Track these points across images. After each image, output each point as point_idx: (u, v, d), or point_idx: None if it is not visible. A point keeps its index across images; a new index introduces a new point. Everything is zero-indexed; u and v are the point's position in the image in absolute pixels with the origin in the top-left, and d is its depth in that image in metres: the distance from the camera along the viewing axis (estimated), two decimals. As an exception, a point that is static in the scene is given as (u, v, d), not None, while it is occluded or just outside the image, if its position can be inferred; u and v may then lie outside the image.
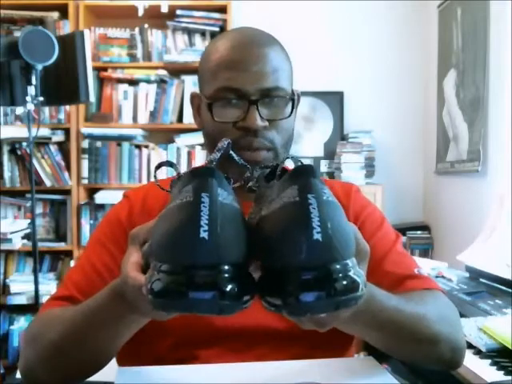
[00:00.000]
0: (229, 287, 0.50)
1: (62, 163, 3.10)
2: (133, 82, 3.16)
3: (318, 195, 0.50)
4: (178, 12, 3.10)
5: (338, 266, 0.50)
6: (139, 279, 0.60)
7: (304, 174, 0.52)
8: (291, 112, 0.94)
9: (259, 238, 0.54)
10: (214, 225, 0.50)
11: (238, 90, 0.89)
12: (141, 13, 3.06)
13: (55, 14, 3.10)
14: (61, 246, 3.08)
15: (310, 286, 0.49)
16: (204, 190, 0.51)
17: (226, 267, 0.50)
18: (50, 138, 3.06)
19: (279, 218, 0.52)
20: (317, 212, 0.49)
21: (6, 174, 3.08)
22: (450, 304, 0.92)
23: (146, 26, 3.14)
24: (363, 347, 2.12)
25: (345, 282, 0.50)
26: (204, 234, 0.49)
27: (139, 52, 3.15)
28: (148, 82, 3.14)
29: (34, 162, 2.97)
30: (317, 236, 0.48)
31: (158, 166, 0.66)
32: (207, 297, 0.49)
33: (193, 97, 1.02)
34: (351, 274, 0.50)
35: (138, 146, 3.14)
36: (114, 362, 1.07)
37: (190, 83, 3.13)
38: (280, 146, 0.93)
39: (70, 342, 0.79)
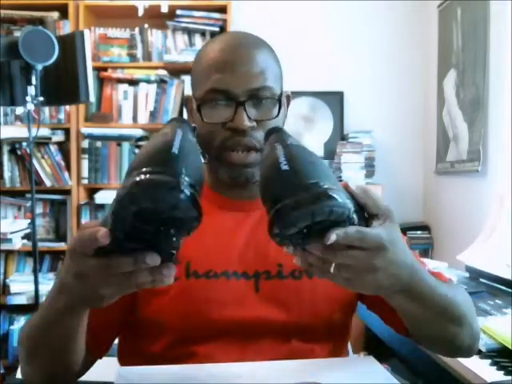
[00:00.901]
0: (187, 191, 0.60)
1: (62, 163, 3.11)
2: (133, 82, 3.16)
3: (282, 142, 0.68)
4: (178, 12, 3.10)
5: (308, 184, 0.62)
6: (94, 224, 0.64)
7: (272, 132, 0.72)
8: (278, 112, 0.95)
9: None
10: (183, 147, 0.63)
11: (226, 92, 0.92)
12: (141, 13, 3.06)
13: (55, 14, 3.10)
14: (61, 245, 3.08)
15: (287, 202, 0.62)
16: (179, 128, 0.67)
17: (187, 178, 0.61)
18: (50, 138, 3.06)
19: (262, 167, 0.70)
20: (282, 152, 0.66)
21: (6, 174, 3.08)
22: (467, 294, 0.94)
23: (146, 26, 3.14)
24: (363, 347, 2.12)
25: (315, 193, 0.61)
26: (175, 150, 0.62)
27: (139, 52, 3.15)
28: (148, 81, 3.14)
29: (34, 161, 2.97)
30: (284, 167, 0.64)
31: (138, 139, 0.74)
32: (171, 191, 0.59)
33: (187, 100, 1.04)
34: (323, 188, 0.62)
35: (138, 147, 3.14)
36: (114, 362, 1.07)
37: (190, 83, 3.13)
38: None
39: (37, 344, 0.82)
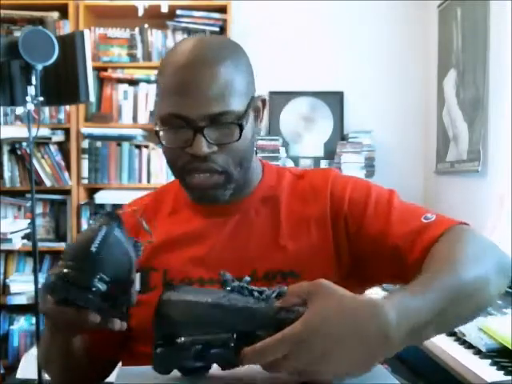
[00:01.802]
0: (100, 286, 0.73)
1: (62, 163, 3.11)
2: (133, 82, 3.16)
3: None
4: (178, 12, 3.10)
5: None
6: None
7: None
8: (240, 136, 0.90)
9: None
10: (103, 245, 0.73)
11: (183, 117, 0.88)
12: (141, 13, 3.06)
13: (55, 14, 3.10)
14: (61, 245, 3.07)
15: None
16: (105, 224, 0.76)
17: (100, 276, 0.73)
18: (50, 138, 3.06)
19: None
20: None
21: (6, 174, 3.08)
22: (475, 233, 0.88)
23: (146, 26, 3.14)
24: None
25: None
26: (93, 249, 0.73)
27: (139, 52, 3.15)
28: (148, 82, 3.14)
29: (34, 161, 2.97)
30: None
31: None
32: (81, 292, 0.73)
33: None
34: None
35: (138, 146, 3.14)
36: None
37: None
38: (233, 168, 0.92)
39: (45, 361, 0.99)
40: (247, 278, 0.74)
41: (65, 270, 0.72)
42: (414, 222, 0.90)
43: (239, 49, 0.96)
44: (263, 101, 0.99)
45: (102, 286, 0.72)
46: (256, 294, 0.72)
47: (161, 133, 0.91)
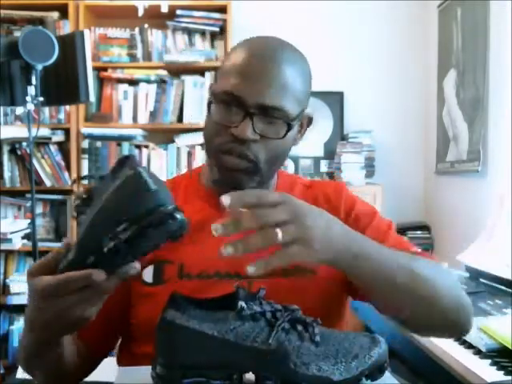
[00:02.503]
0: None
1: (62, 163, 3.11)
2: (133, 82, 3.16)
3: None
4: (178, 12, 3.10)
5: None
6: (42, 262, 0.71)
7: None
8: (285, 135, 0.93)
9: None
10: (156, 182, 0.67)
11: (239, 98, 0.91)
12: (141, 13, 3.06)
13: (55, 14, 3.10)
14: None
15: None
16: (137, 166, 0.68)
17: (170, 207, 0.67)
18: (50, 138, 3.06)
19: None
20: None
21: (6, 174, 3.08)
22: (451, 272, 0.94)
23: (146, 25, 3.14)
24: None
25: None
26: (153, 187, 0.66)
27: (139, 52, 3.15)
28: (148, 81, 3.14)
29: (34, 161, 2.97)
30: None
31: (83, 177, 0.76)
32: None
33: (211, 86, 1.03)
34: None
35: (138, 146, 3.14)
36: (114, 362, 1.07)
37: (190, 83, 3.13)
38: (263, 162, 0.95)
39: (28, 365, 0.91)
40: (262, 291, 0.73)
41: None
42: (406, 247, 0.98)
43: (307, 63, 1.02)
44: (310, 119, 1.02)
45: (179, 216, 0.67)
46: (269, 315, 0.71)
47: (212, 106, 0.94)
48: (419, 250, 1.00)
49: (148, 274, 0.97)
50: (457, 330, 0.92)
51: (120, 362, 1.04)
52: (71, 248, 0.70)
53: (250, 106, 0.91)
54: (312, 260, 0.71)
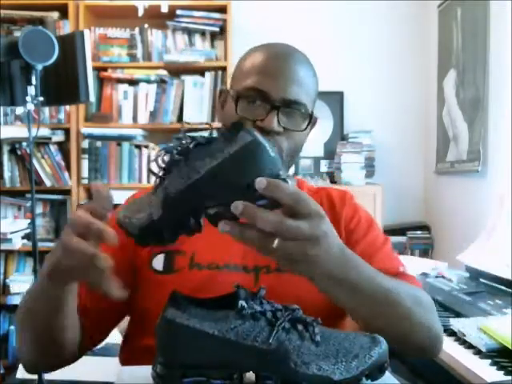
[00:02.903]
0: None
1: (62, 163, 3.11)
2: (133, 82, 3.16)
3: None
4: (178, 12, 3.10)
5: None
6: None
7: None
8: (306, 127, 1.01)
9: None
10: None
11: (264, 93, 0.97)
12: (141, 13, 3.06)
13: (55, 14, 3.10)
14: (61, 246, 3.08)
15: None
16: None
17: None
18: (50, 138, 3.06)
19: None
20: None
21: (6, 174, 3.08)
22: (428, 297, 0.95)
23: (146, 25, 3.14)
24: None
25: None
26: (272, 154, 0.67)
27: (139, 52, 3.15)
28: (148, 81, 3.14)
29: (34, 161, 2.97)
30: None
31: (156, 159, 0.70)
32: None
33: (220, 92, 1.09)
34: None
35: (138, 146, 3.14)
36: (114, 361, 1.07)
37: (190, 83, 3.13)
38: (286, 155, 0.99)
39: (25, 317, 0.91)
40: (263, 291, 0.74)
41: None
42: (393, 267, 1.01)
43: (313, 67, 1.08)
44: (316, 119, 1.07)
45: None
46: (269, 314, 0.71)
47: (230, 104, 1.01)
48: (406, 272, 1.03)
49: (158, 262, 1.00)
50: (424, 353, 0.95)
51: (123, 362, 1.04)
52: (143, 204, 0.68)
53: (275, 99, 0.96)
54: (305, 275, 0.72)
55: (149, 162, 3.12)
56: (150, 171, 0.82)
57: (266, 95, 0.97)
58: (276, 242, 0.66)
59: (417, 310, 0.87)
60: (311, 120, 1.02)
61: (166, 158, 0.69)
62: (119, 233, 0.69)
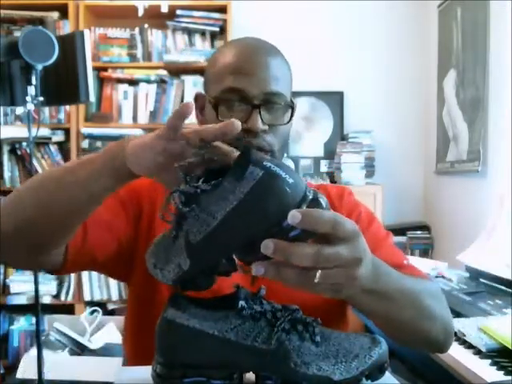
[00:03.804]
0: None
1: (62, 163, 3.11)
2: (133, 82, 3.16)
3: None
4: (178, 12, 3.10)
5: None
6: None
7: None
8: (290, 119, 0.98)
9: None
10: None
11: (242, 92, 0.94)
12: (141, 13, 3.06)
13: (55, 14, 3.10)
14: (61, 245, 3.08)
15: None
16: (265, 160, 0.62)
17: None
18: (50, 138, 3.06)
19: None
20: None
21: (6, 174, 3.08)
22: (437, 286, 0.97)
23: (146, 25, 3.14)
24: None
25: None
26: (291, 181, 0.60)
27: (139, 52, 3.15)
28: (148, 81, 3.14)
29: (34, 162, 2.97)
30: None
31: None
32: None
33: (197, 97, 1.05)
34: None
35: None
36: (114, 362, 1.07)
37: (190, 83, 3.13)
38: (277, 150, 0.98)
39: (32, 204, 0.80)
40: (263, 291, 0.73)
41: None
42: (397, 260, 1.00)
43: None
44: (295, 107, 1.04)
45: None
46: (269, 315, 0.70)
47: (209, 109, 0.98)
48: (410, 264, 1.02)
49: None
50: (436, 348, 0.96)
51: (129, 361, 1.04)
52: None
53: (255, 96, 0.94)
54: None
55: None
56: (162, 218, 0.76)
57: (244, 94, 0.94)
58: (318, 275, 0.61)
59: (437, 307, 0.88)
60: (293, 110, 0.99)
61: (178, 200, 0.64)
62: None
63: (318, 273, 0.61)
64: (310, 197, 0.61)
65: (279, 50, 1.03)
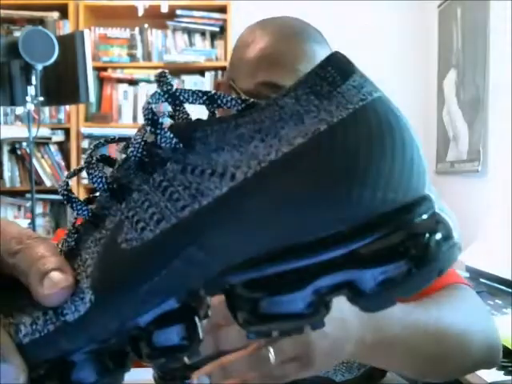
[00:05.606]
0: None
1: (62, 163, 3.11)
2: (133, 82, 3.16)
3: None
4: (178, 12, 3.10)
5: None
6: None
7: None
8: None
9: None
10: None
11: (279, 87, 0.80)
12: (141, 13, 3.06)
13: (55, 14, 3.10)
14: (61, 246, 3.08)
15: None
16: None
17: None
18: (50, 138, 3.06)
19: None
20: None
21: (6, 174, 3.08)
22: (478, 299, 0.83)
23: (146, 25, 3.14)
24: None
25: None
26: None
27: (139, 52, 3.15)
28: (148, 82, 3.14)
29: (34, 161, 2.97)
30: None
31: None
32: None
33: (218, 85, 0.94)
34: None
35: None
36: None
37: (190, 83, 3.13)
38: None
39: None
40: None
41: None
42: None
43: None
44: None
45: None
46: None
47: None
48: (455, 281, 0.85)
49: None
50: (484, 368, 0.86)
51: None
52: None
53: None
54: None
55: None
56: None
57: (279, 89, 0.77)
58: (271, 351, 0.52)
59: (476, 328, 0.74)
60: None
61: None
62: None
63: (271, 351, 0.52)
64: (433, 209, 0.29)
65: (321, 34, 0.90)
